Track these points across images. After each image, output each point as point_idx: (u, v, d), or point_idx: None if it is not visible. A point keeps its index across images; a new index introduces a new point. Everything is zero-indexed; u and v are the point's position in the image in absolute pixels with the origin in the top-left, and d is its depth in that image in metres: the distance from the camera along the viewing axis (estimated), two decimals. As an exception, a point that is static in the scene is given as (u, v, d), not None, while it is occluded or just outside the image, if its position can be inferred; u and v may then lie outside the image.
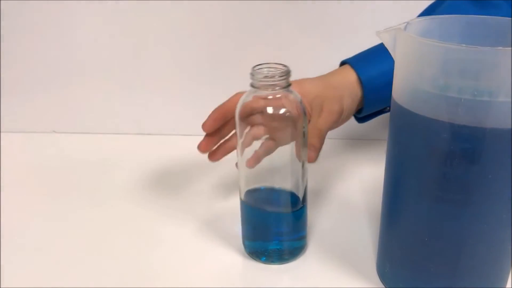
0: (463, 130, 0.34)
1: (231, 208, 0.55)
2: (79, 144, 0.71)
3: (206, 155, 0.70)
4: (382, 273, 0.45)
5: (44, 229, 0.52)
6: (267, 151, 0.46)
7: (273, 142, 0.46)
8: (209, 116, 0.51)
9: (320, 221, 0.54)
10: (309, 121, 0.50)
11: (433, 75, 0.35)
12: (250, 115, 0.44)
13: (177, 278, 0.45)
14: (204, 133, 0.52)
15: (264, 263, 0.47)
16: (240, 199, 0.47)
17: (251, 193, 0.47)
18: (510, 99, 0.33)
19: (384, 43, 0.38)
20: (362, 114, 0.57)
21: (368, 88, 0.54)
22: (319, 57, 0.69)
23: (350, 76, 0.54)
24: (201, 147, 0.52)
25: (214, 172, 0.64)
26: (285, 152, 0.45)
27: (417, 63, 0.36)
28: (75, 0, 0.67)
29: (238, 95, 0.49)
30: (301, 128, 0.44)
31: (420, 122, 0.36)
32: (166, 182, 0.62)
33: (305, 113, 0.44)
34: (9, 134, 0.71)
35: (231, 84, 0.72)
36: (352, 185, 0.61)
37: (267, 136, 0.46)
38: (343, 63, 0.57)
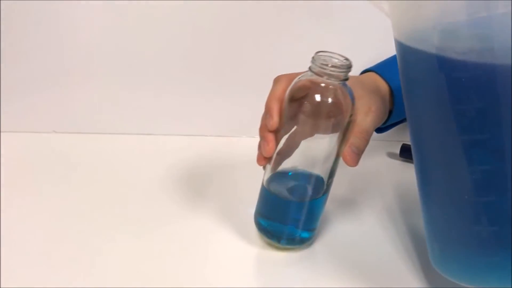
0: (468, 59, 0.31)
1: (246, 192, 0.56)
2: (79, 144, 0.71)
3: (204, 156, 0.70)
4: (433, 257, 0.41)
5: (44, 229, 0.52)
6: (289, 150, 0.46)
7: (296, 142, 0.46)
8: (272, 111, 0.44)
9: (332, 215, 0.55)
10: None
11: (427, 11, 0.33)
12: (298, 98, 0.43)
13: (181, 264, 0.47)
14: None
15: (275, 244, 0.49)
16: (265, 176, 0.48)
17: (277, 173, 0.47)
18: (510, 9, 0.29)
19: (379, 8, 0.37)
20: (388, 123, 0.55)
21: (398, 97, 0.52)
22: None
23: (381, 83, 0.53)
24: (271, 149, 0.44)
25: (216, 171, 0.64)
26: (323, 143, 0.45)
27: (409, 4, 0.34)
28: (75, 0, 0.67)
29: (282, 80, 0.46)
30: (345, 125, 0.44)
31: (424, 60, 0.34)
32: (168, 181, 0.62)
33: (352, 113, 0.43)
34: (9, 134, 0.71)
35: (234, 84, 0.73)
36: (359, 185, 0.62)
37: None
38: (365, 71, 0.55)
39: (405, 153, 0.73)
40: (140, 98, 0.73)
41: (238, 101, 0.75)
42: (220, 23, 0.69)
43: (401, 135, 0.76)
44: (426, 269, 0.49)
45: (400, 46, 0.37)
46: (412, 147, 0.41)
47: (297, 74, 0.46)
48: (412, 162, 0.72)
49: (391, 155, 0.74)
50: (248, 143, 0.74)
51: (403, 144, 0.73)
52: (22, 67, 0.70)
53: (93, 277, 0.45)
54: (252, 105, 0.75)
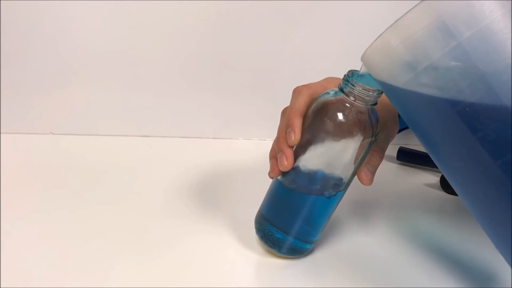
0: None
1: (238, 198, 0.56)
2: (76, 146, 0.71)
3: (201, 158, 0.70)
4: None
5: (43, 230, 0.52)
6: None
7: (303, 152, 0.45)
8: (294, 126, 0.43)
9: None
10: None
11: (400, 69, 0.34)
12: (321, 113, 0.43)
13: (179, 268, 0.46)
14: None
15: (275, 253, 0.49)
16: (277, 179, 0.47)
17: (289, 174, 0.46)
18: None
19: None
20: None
21: None
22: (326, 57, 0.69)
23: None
24: (289, 164, 0.44)
25: (213, 173, 0.64)
26: (338, 163, 0.44)
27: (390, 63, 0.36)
28: (75, 0, 0.67)
29: (303, 93, 0.45)
30: (365, 149, 0.43)
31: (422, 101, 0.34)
32: (165, 183, 0.62)
33: (375, 139, 0.43)
34: (7, 136, 0.71)
35: (233, 85, 0.73)
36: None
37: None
38: None
39: (402, 156, 0.73)
40: (138, 100, 0.73)
41: (235, 103, 0.75)
42: (218, 25, 0.70)
43: (397, 139, 0.76)
44: (426, 271, 0.49)
45: (387, 86, 0.37)
46: (453, 186, 0.40)
47: (316, 85, 0.45)
48: (408, 165, 0.73)
49: (388, 158, 0.74)
50: (246, 145, 0.75)
51: (400, 147, 0.74)
52: (20, 69, 0.70)
53: (92, 276, 0.46)
54: (249, 107, 0.76)
